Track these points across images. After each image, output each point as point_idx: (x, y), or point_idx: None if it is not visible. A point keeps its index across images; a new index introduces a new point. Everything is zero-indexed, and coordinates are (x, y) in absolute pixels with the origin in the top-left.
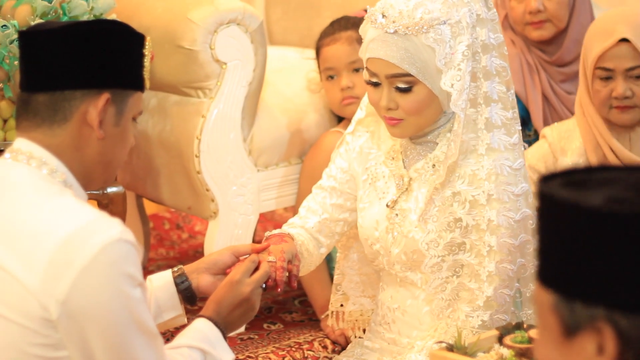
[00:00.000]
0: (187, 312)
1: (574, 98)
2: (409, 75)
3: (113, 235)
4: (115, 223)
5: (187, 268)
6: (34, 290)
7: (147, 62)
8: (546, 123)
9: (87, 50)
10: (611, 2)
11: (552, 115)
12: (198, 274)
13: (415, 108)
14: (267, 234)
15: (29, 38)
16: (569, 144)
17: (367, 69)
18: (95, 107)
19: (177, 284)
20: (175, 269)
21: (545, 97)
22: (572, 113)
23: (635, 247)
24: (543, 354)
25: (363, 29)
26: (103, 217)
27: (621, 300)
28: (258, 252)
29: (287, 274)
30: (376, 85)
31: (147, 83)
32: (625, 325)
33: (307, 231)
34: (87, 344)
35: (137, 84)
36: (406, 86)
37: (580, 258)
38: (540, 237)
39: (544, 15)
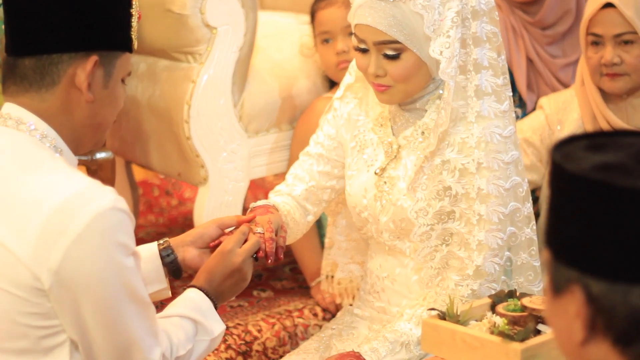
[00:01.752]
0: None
1: (560, 62)
2: (396, 42)
3: (106, 203)
4: (108, 191)
5: (173, 241)
6: (25, 259)
7: (134, 22)
8: (530, 87)
9: (73, 13)
10: None
11: (537, 80)
12: (184, 247)
13: (403, 75)
14: (252, 205)
15: (14, 1)
16: (566, 115)
17: (355, 35)
18: (83, 69)
19: (162, 257)
20: (161, 241)
21: (529, 61)
22: (557, 77)
23: (608, 215)
24: (546, 308)
25: None
26: (96, 185)
27: (592, 265)
28: (243, 222)
29: (275, 245)
30: (364, 51)
31: (135, 43)
32: (596, 291)
33: (293, 199)
34: (79, 313)
35: (125, 45)
36: (394, 53)
37: (565, 220)
38: (549, 199)
39: None
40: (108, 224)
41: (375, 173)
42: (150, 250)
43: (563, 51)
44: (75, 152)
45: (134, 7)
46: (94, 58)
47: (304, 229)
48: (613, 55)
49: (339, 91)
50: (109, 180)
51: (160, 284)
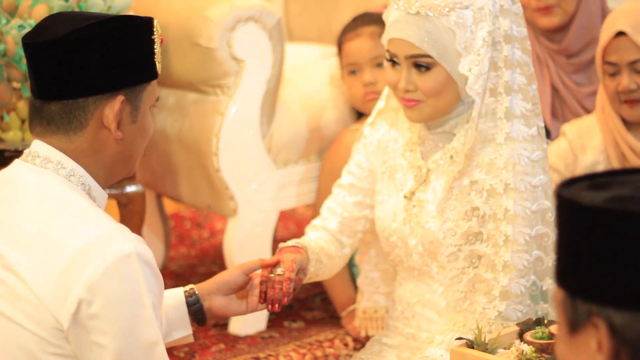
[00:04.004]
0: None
1: (585, 90)
2: (428, 56)
3: (125, 250)
4: (131, 238)
5: (199, 288)
6: (47, 301)
7: (157, 47)
8: (555, 116)
9: (95, 57)
10: None
11: (562, 108)
12: (210, 296)
13: (433, 89)
14: (281, 245)
15: (34, 48)
16: (589, 141)
17: (388, 50)
18: (111, 109)
19: (188, 305)
20: (187, 288)
21: (554, 89)
22: (582, 106)
23: (626, 244)
24: (559, 348)
25: (387, 13)
26: (120, 231)
27: (613, 296)
28: (267, 266)
29: (293, 285)
30: (395, 64)
31: (159, 67)
32: (619, 322)
33: (328, 232)
34: (94, 357)
35: (150, 74)
36: (425, 65)
37: (580, 255)
38: (557, 237)
39: (553, 0)
40: (126, 271)
41: (405, 196)
42: (176, 297)
43: (589, 79)
44: (105, 185)
45: (155, 33)
46: (120, 97)
47: (340, 262)
48: (629, 81)
49: (371, 117)
50: (139, 213)
51: (185, 330)
